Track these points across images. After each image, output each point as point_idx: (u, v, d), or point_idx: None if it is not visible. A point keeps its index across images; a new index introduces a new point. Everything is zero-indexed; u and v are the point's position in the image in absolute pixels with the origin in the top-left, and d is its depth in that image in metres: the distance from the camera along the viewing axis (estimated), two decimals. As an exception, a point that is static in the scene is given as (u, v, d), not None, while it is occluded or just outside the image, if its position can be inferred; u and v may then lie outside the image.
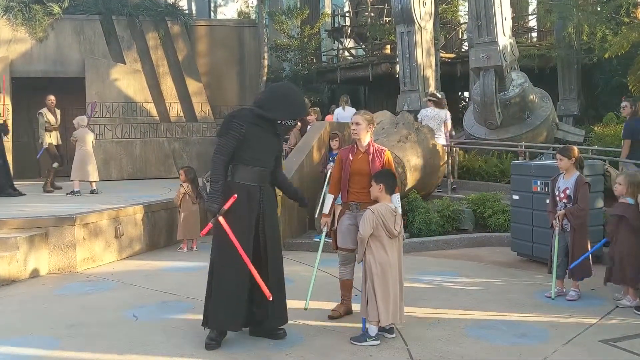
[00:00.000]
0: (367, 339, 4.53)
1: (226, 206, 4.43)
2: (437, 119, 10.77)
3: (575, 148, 5.94)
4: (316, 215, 5.19)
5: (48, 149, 11.14)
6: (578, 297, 5.68)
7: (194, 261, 7.59)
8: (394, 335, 4.68)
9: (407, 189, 9.18)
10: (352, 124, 5.08)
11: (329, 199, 5.18)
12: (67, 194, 10.13)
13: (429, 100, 11.13)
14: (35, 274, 6.96)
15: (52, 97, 11.35)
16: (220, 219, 4.41)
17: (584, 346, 4.48)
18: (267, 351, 4.43)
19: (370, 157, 4.99)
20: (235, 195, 4.46)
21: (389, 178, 4.77)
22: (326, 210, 5.20)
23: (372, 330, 4.55)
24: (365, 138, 5.07)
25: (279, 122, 4.58)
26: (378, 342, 4.52)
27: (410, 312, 5.15)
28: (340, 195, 5.20)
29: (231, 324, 4.55)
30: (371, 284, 4.55)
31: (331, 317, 5.16)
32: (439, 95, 11.38)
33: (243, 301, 4.53)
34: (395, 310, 4.56)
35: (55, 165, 11.10)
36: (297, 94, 4.79)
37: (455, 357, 4.29)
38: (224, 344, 4.58)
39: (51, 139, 11.14)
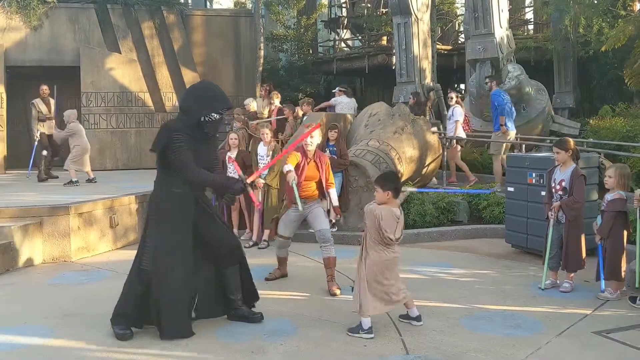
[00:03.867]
0: (360, 331, 4.53)
1: (251, 179, 4.76)
2: (351, 106, 11.97)
3: (572, 140, 5.95)
4: (300, 208, 5.59)
5: (39, 139, 11.09)
6: (571, 289, 5.70)
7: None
8: (421, 323, 4.74)
9: (402, 180, 9.19)
10: (310, 136, 5.75)
11: (289, 166, 5.63)
12: (64, 184, 10.09)
13: (340, 90, 12.32)
14: (29, 263, 6.94)
15: (44, 87, 11.29)
16: (249, 189, 4.69)
17: (577, 337, 4.51)
18: (262, 341, 4.44)
19: (318, 165, 5.81)
20: (258, 170, 5.14)
21: (396, 182, 4.74)
22: (289, 168, 5.62)
23: (364, 322, 4.54)
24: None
25: (202, 119, 4.48)
26: (371, 335, 4.50)
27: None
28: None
29: (187, 332, 4.54)
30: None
31: (267, 279, 6.04)
32: (346, 86, 13.01)
33: (189, 303, 4.61)
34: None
35: (45, 153, 11.02)
36: (214, 87, 4.74)
37: (449, 348, 4.31)
38: (218, 334, 4.59)
39: (44, 128, 11.09)
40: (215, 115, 4.52)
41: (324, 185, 5.88)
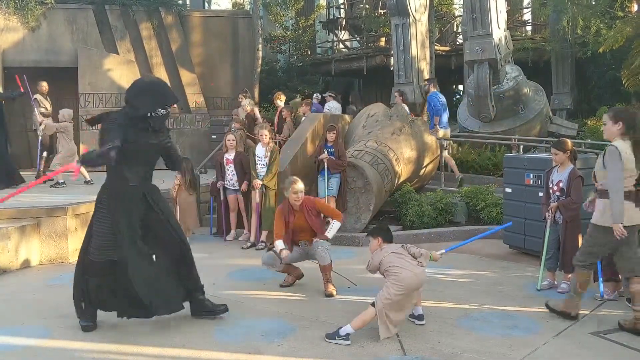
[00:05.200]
0: (336, 337, 4.45)
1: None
2: (340, 110, 12.88)
3: (569, 141, 5.95)
4: (278, 249, 5.73)
5: (42, 138, 11.05)
6: (569, 290, 5.69)
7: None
8: (422, 322, 4.81)
9: (400, 181, 9.19)
10: (296, 192, 5.78)
11: (280, 244, 5.73)
12: (50, 185, 10.06)
13: (329, 95, 13.22)
14: (26, 264, 6.93)
15: (44, 84, 11.27)
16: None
17: (574, 338, 4.52)
18: (259, 341, 4.44)
19: (306, 214, 5.81)
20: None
21: (388, 232, 4.91)
22: (282, 247, 5.73)
23: (344, 329, 4.47)
24: None
25: (148, 115, 4.55)
26: (348, 342, 4.42)
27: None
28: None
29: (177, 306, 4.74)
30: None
31: (282, 286, 5.94)
32: (334, 92, 14.01)
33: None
34: None
35: (45, 154, 10.99)
36: (161, 83, 4.84)
37: (446, 348, 4.31)
38: (215, 334, 4.59)
39: (43, 125, 10.99)
40: (162, 110, 4.60)
41: (331, 219, 5.96)
